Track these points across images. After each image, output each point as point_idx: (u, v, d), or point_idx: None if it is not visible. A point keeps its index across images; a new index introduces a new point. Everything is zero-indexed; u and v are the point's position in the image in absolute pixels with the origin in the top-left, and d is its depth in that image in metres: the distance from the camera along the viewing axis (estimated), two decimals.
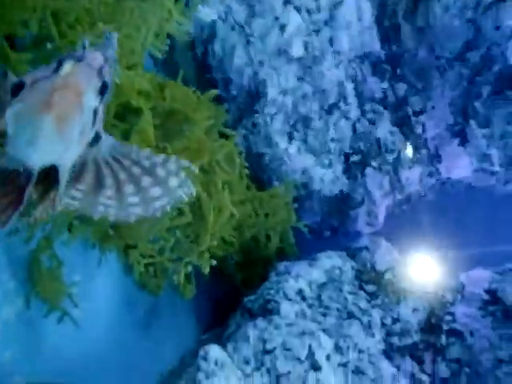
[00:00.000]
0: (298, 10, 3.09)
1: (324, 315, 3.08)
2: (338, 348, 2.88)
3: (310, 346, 2.81)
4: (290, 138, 3.23)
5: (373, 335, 3.07)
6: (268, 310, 3.04)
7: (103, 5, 2.01)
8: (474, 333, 3.21)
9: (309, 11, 3.13)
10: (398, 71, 3.28)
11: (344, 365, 2.85)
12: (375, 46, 3.22)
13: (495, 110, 3.11)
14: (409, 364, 3.19)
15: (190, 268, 2.49)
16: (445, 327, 3.26)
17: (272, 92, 3.11)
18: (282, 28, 3.06)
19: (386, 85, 3.23)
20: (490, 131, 3.16)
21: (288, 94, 3.13)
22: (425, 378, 3.20)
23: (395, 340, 3.22)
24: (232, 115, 3.27)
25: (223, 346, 2.88)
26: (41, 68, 1.09)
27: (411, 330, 3.24)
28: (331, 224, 3.64)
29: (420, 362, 3.23)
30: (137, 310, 2.83)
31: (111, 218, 1.22)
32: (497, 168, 3.31)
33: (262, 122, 3.18)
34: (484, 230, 3.50)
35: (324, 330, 2.95)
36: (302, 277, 3.26)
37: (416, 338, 3.25)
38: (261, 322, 2.94)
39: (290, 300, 3.10)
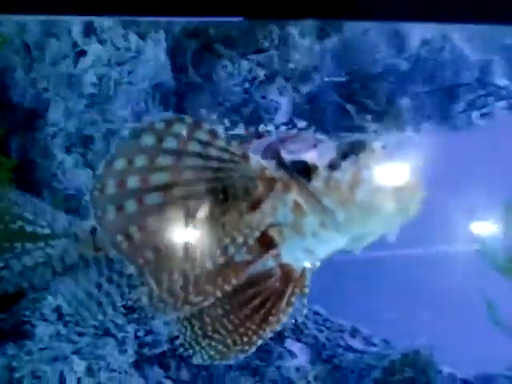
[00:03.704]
0: (100, 41, 2.99)
1: (80, 334, 3.20)
2: (90, 370, 3.05)
3: (61, 372, 2.92)
4: (68, 155, 3.18)
5: (125, 351, 3.33)
6: (21, 333, 3.02)
7: None
8: None
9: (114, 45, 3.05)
10: (185, 104, 3.47)
11: None
12: (166, 80, 3.32)
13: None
14: (156, 372, 3.56)
15: None
16: None
17: (54, 114, 3.01)
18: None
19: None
20: None
21: (72, 117, 3.06)
22: (169, 382, 3.62)
23: (146, 351, 3.54)
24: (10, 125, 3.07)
25: None
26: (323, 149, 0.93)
27: (162, 340, 3.60)
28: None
29: (166, 368, 3.63)
30: None
31: None
32: None
33: (43, 139, 3.05)
34: None
35: (78, 352, 3.08)
36: (61, 293, 3.30)
37: (165, 347, 3.62)
38: (11, 349, 2.91)
39: (45, 321, 3.12)
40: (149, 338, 3.56)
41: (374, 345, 3.96)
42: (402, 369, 3.69)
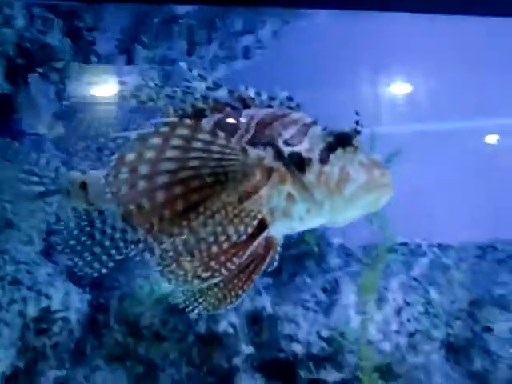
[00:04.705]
0: None
1: None
2: None
3: None
4: None
5: (31, 242, 3.25)
6: None
7: None
8: None
9: None
10: None
11: (1, 279, 2.98)
12: None
13: (159, 40, 3.39)
14: (64, 259, 3.56)
15: None
16: None
17: None
18: None
19: None
20: (152, 56, 3.43)
21: None
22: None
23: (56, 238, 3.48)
24: None
25: None
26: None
27: None
28: None
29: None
30: None
31: None
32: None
33: None
34: None
35: None
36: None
37: None
38: None
39: None
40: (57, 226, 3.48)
41: None
42: (297, 244, 4.07)
